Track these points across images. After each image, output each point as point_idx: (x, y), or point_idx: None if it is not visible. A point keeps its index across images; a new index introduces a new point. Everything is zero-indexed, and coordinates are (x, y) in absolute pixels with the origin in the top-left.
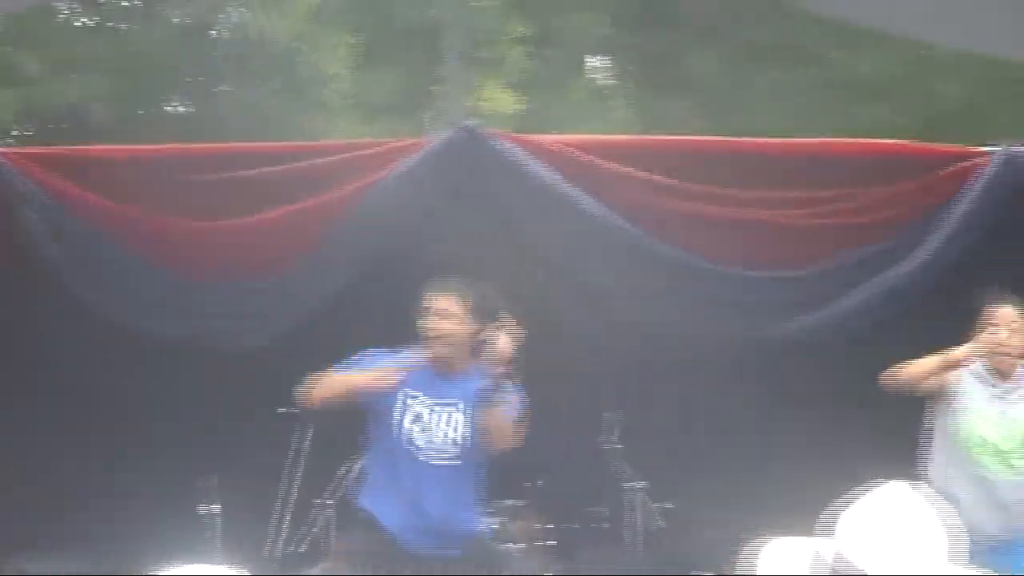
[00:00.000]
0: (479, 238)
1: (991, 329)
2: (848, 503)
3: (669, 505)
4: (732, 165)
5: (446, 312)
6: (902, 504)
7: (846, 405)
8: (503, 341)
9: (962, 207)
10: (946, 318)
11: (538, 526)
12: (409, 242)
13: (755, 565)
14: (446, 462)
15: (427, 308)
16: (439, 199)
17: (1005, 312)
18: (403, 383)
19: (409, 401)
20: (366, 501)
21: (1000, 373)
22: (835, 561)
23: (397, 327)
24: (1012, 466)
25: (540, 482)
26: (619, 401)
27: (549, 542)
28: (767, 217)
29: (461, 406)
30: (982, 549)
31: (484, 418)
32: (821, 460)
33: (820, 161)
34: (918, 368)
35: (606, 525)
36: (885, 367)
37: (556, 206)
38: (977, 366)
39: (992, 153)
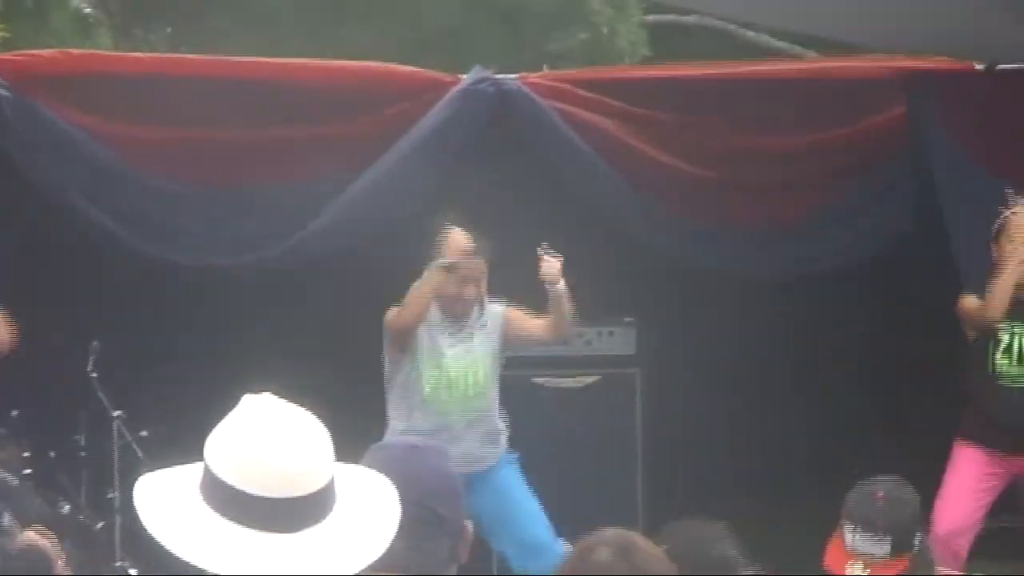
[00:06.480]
0: None
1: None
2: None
3: (144, 433)
4: (212, 91)
5: None
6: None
7: (350, 319)
8: None
9: (425, 130)
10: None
11: (26, 454)
12: None
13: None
14: None
15: None
16: None
17: (456, 238)
18: None
19: None
20: None
21: (453, 314)
22: (216, 487)
23: None
24: (469, 399)
25: (15, 412)
26: (97, 330)
27: (26, 471)
28: (248, 137)
29: None
30: None
31: None
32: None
33: (297, 86)
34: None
35: (83, 454)
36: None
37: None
38: (434, 312)
39: (462, 79)
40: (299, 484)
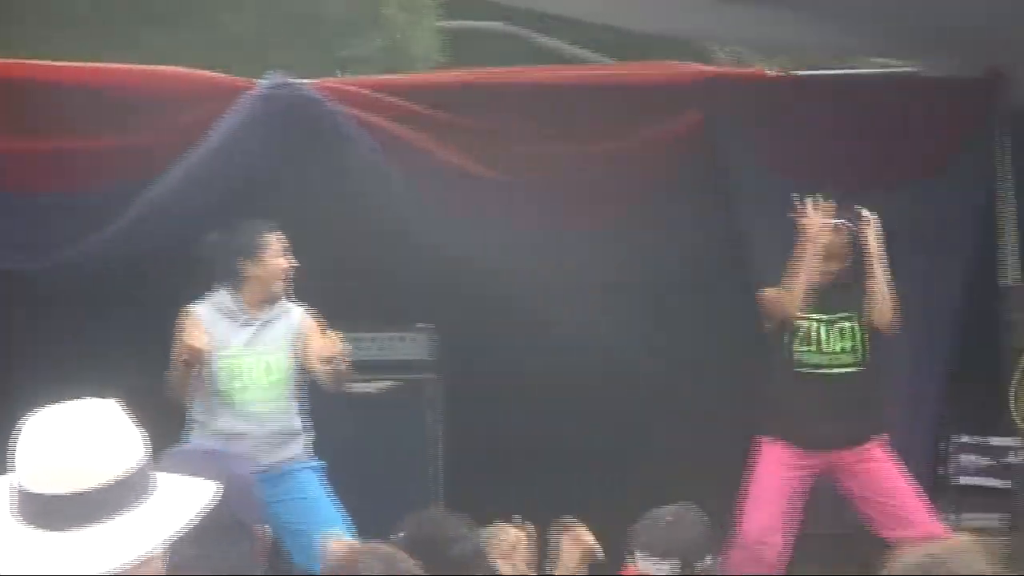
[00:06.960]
0: None
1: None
2: None
3: None
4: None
5: None
6: (72, 418)
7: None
8: None
9: (221, 135)
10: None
11: None
12: None
13: None
14: None
15: None
16: None
17: (272, 242)
18: None
19: None
20: None
21: (258, 304)
22: (13, 491)
23: None
24: (264, 389)
25: None
26: None
27: None
28: (39, 144)
29: None
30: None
31: None
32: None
33: (88, 90)
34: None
35: None
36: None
37: None
38: (225, 299)
39: (257, 84)
40: (69, 480)
